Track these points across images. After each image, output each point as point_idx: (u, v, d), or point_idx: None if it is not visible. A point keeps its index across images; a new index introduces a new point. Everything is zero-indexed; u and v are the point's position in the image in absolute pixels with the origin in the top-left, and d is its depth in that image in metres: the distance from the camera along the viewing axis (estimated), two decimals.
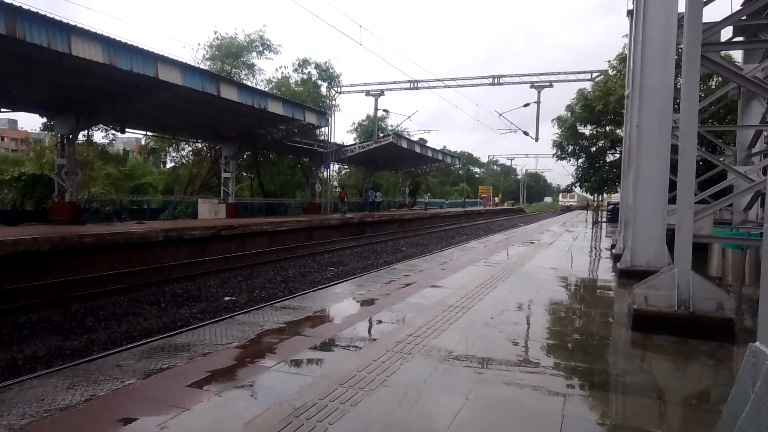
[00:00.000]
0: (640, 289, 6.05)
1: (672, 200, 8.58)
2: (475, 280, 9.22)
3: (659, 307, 5.84)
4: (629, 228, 9.82)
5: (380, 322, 6.15)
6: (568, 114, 25.49)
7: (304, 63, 42.01)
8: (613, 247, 14.30)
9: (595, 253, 15.13)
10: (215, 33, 44.09)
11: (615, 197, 31.98)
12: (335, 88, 35.12)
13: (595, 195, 32.80)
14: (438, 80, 30.29)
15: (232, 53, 36.26)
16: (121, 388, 3.90)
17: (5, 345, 8.12)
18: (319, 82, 42.09)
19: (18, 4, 12.36)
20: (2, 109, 19.37)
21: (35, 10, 12.70)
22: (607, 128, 24.44)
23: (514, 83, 28.88)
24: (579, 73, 26.68)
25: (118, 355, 4.90)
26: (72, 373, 4.27)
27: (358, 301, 7.49)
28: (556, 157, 27.20)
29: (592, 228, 27.62)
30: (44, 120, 29.87)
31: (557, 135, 26.38)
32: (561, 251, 14.97)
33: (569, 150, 26.19)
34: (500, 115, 30.01)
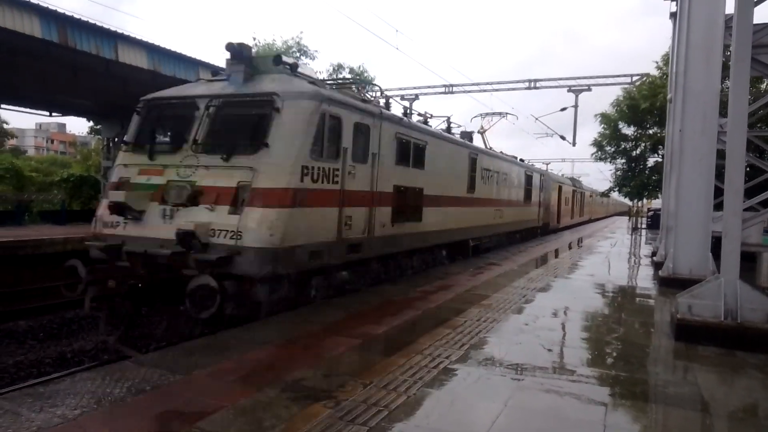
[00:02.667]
0: (683, 298, 5.88)
1: (717, 207, 8.33)
2: (511, 287, 9.12)
3: (704, 317, 5.67)
4: (671, 235, 9.55)
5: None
6: (614, 110, 24.84)
7: (339, 67, 42.42)
8: (653, 254, 13.93)
9: (635, 260, 14.75)
10: (254, 39, 44.99)
11: (656, 203, 31.11)
12: (370, 93, 35.37)
13: (634, 201, 31.83)
14: (474, 84, 30.01)
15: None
16: (167, 384, 4.04)
17: (55, 339, 8.49)
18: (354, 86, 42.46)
19: (69, 14, 12.95)
20: (53, 114, 20.25)
21: (85, 20, 13.26)
22: (651, 130, 23.77)
23: (550, 87, 28.33)
24: (618, 76, 26.03)
25: (164, 351, 5.06)
26: (120, 368, 4.44)
27: None
28: (595, 157, 26.57)
29: (631, 235, 26.95)
30: (91, 124, 31.11)
31: (598, 134, 25.77)
32: (599, 258, 14.65)
33: (609, 151, 25.54)
34: (537, 119, 29.49)
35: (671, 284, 8.61)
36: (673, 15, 13.01)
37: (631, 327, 6.69)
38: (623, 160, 25.35)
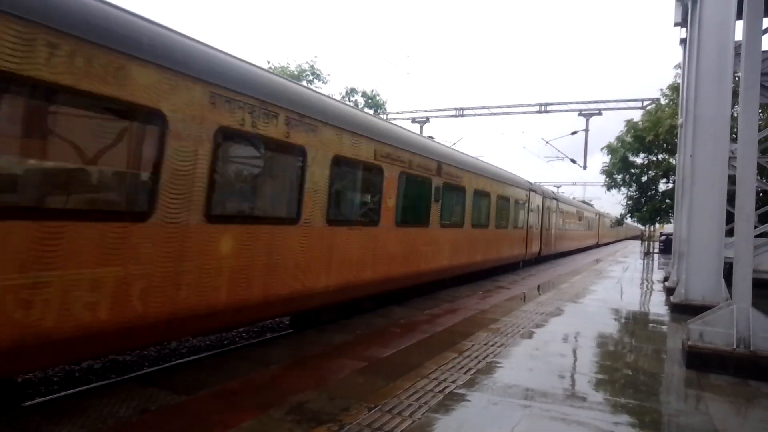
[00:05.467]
0: (695, 324, 5.80)
1: (730, 232, 8.25)
2: (520, 312, 9.05)
3: (716, 345, 5.57)
4: (683, 260, 9.45)
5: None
6: (619, 144, 24.85)
7: (352, 91, 42.96)
8: (665, 279, 13.75)
9: (647, 286, 14.57)
10: (268, 62, 45.76)
11: (668, 227, 30.79)
12: (381, 116, 35.74)
13: (647, 225, 31.52)
14: (484, 107, 30.24)
15: None
16: (173, 404, 4.04)
17: None
18: (366, 109, 42.99)
19: None
20: None
21: None
22: (659, 157, 23.68)
23: (561, 111, 28.45)
24: (629, 101, 26.08)
25: (172, 370, 5.07)
26: (127, 387, 4.46)
27: None
28: (606, 186, 26.46)
29: (643, 259, 26.67)
30: None
31: (605, 164, 25.70)
32: (611, 282, 14.49)
33: (619, 179, 25.42)
34: (547, 142, 29.59)
35: (684, 310, 8.50)
36: (683, 41, 13.08)
37: (642, 354, 6.58)
38: (634, 187, 25.21)
